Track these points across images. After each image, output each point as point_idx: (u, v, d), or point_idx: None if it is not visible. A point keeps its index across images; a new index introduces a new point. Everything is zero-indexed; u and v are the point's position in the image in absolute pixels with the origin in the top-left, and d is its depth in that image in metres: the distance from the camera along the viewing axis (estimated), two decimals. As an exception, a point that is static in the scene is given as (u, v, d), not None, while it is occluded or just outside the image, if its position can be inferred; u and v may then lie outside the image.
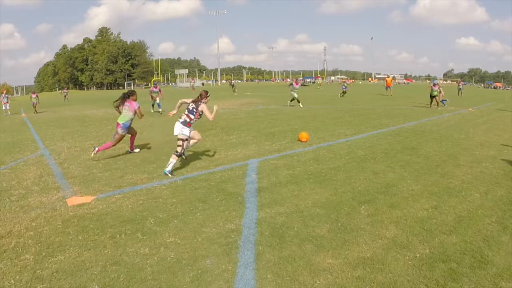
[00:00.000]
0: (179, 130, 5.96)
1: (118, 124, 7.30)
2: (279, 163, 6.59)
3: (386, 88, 30.12)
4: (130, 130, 7.48)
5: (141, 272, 3.00)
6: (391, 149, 7.62)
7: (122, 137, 7.31)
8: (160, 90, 16.92)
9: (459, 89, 30.80)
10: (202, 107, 6.00)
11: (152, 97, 16.98)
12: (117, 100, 7.51)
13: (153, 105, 17.15)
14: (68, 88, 45.03)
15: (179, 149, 5.88)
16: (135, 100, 7.53)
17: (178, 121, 6.01)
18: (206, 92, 6.22)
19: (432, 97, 17.60)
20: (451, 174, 5.75)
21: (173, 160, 5.83)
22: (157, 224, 3.98)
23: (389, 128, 10.84)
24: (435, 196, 4.73)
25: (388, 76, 36.57)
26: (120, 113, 7.47)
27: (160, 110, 16.53)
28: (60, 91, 39.62)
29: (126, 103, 7.40)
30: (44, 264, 3.14)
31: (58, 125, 13.67)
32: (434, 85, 17.80)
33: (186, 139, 6.00)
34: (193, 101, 6.11)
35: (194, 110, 6.01)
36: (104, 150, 7.28)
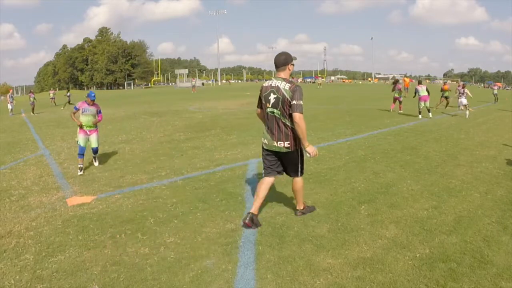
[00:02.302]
0: (466, 101, 13.96)
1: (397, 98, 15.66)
2: (279, 163, 6.57)
3: (404, 89, 23.58)
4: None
5: (141, 272, 3.00)
6: (391, 149, 7.61)
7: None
8: (99, 113, 6.78)
9: (494, 95, 24.19)
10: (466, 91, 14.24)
11: (80, 126, 6.53)
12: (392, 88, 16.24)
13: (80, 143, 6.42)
14: (56, 89, 30.73)
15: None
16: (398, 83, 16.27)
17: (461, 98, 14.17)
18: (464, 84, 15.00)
19: (443, 97, 17.75)
20: (451, 174, 5.74)
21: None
22: (157, 224, 3.97)
23: (389, 128, 10.84)
24: (435, 196, 4.72)
25: (406, 76, 35.06)
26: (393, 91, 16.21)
27: (95, 162, 6.83)
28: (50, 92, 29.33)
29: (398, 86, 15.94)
30: (44, 264, 3.14)
31: (58, 125, 13.68)
32: (445, 84, 18.44)
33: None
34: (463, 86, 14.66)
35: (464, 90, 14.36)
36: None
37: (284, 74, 3.71)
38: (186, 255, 3.27)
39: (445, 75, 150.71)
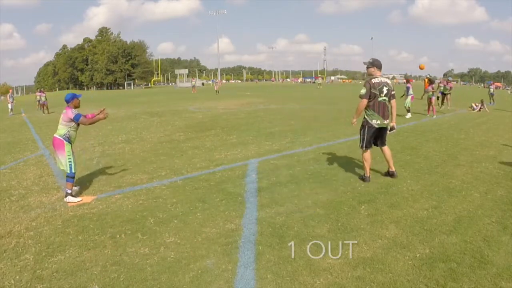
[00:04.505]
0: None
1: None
2: (279, 163, 6.58)
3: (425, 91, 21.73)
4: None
5: (141, 272, 3.00)
6: (391, 149, 7.57)
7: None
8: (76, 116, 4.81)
9: (491, 95, 21.36)
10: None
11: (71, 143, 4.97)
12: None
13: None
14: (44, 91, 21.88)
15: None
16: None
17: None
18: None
19: (443, 94, 17.42)
20: (451, 174, 5.74)
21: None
22: (157, 224, 3.97)
23: (389, 128, 10.81)
24: (435, 196, 4.72)
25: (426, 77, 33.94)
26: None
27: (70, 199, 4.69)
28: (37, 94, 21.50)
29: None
30: (44, 264, 3.14)
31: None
32: (448, 82, 17.75)
33: None
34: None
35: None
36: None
37: (381, 73, 5.29)
38: (186, 255, 3.27)
39: (445, 75, 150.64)
